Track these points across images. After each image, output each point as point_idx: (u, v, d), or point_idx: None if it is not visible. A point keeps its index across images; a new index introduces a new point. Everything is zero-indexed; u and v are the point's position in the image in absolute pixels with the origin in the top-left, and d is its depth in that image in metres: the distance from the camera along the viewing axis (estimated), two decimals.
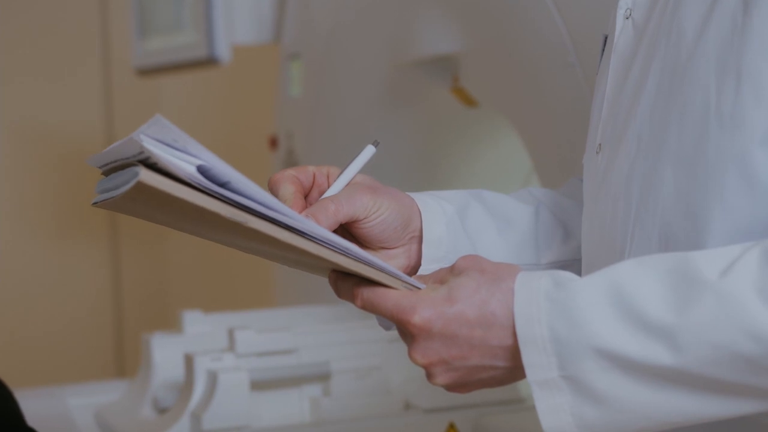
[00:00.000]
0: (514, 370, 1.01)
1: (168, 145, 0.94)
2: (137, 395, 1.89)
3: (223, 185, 0.96)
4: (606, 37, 1.19)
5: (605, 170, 1.11)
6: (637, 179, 1.06)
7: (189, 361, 1.75)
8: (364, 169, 1.16)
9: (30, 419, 1.48)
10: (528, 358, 0.98)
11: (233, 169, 0.96)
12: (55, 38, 3.49)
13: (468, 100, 2.03)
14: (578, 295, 0.97)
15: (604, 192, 1.10)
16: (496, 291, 0.99)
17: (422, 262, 1.17)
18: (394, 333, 1.07)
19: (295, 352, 1.79)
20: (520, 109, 1.82)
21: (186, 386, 1.75)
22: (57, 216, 3.52)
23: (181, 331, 1.94)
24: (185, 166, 0.94)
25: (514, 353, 0.99)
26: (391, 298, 1.02)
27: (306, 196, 1.15)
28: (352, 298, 1.05)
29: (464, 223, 1.20)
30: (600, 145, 1.13)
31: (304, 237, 1.01)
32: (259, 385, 1.76)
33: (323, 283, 1.10)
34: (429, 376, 1.02)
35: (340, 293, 1.07)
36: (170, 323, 2.39)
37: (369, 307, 1.04)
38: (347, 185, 1.14)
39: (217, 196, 0.96)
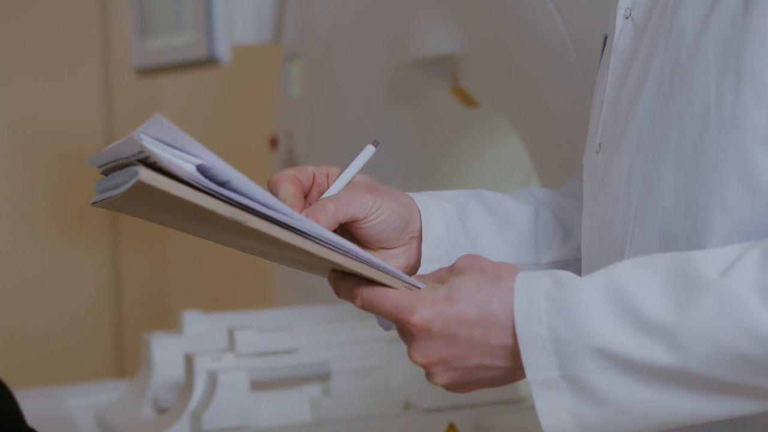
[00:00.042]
0: (514, 370, 1.00)
1: (167, 144, 0.94)
2: (137, 395, 1.89)
3: (222, 184, 0.96)
4: (606, 37, 1.19)
5: (605, 170, 1.11)
6: (637, 179, 1.06)
7: (189, 361, 1.75)
8: (364, 169, 1.16)
9: (30, 419, 1.47)
10: (528, 358, 0.98)
11: (233, 168, 0.96)
12: (55, 38, 3.49)
13: (468, 100, 2.03)
14: (578, 294, 0.97)
15: (604, 192, 1.10)
16: (496, 291, 0.99)
17: (422, 262, 1.17)
18: (394, 333, 1.07)
19: (295, 352, 1.79)
20: (520, 109, 1.81)
21: (186, 386, 1.75)
22: (57, 216, 3.52)
23: (181, 331, 1.94)
24: (185, 165, 0.94)
25: (514, 353, 0.99)
26: (391, 297, 1.02)
27: (306, 196, 1.15)
28: (351, 298, 1.05)
29: (464, 223, 1.20)
30: (600, 144, 1.13)
31: (303, 236, 1.01)
32: (259, 385, 1.76)
33: (323, 283, 1.10)
34: (429, 375, 1.02)
35: (339, 293, 1.07)
36: (170, 323, 2.39)
37: (368, 307, 1.04)
38: (347, 185, 1.14)
39: (216, 195, 0.96)
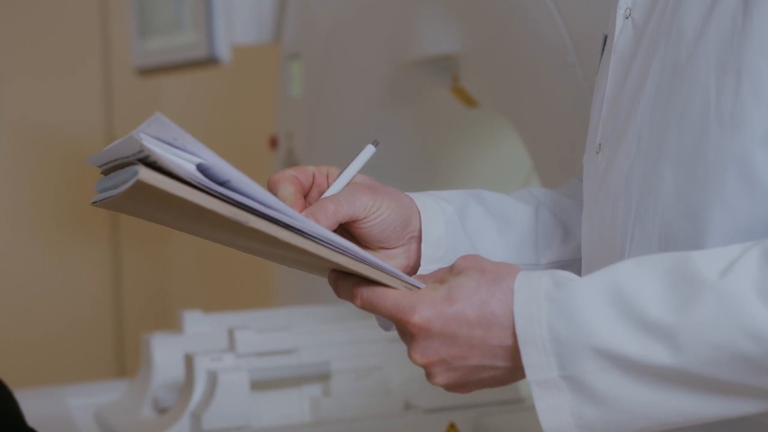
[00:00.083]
0: (514, 370, 1.00)
1: (168, 143, 0.94)
2: (137, 395, 1.89)
3: (222, 184, 0.96)
4: (606, 37, 1.19)
5: (605, 170, 1.11)
6: (637, 179, 1.06)
7: (189, 361, 1.75)
8: (364, 169, 1.16)
9: (30, 419, 1.47)
10: (528, 358, 0.97)
11: (233, 167, 0.96)
12: (55, 38, 3.49)
13: (468, 100, 2.03)
14: (578, 294, 0.97)
15: (604, 192, 1.10)
16: (496, 291, 0.99)
17: (422, 262, 1.17)
18: (394, 333, 1.07)
19: (295, 352, 1.79)
20: (520, 109, 1.81)
21: (186, 386, 1.75)
22: (57, 216, 3.52)
23: (182, 331, 1.94)
24: (185, 164, 0.94)
25: (514, 353, 0.99)
26: (391, 297, 1.02)
27: (305, 196, 1.15)
28: (351, 298, 1.05)
29: (464, 223, 1.20)
30: (600, 145, 1.13)
31: (303, 236, 1.01)
32: (259, 385, 1.76)
33: (323, 283, 1.10)
34: (428, 376, 1.02)
35: (339, 293, 1.07)
36: (170, 323, 2.39)
37: (368, 307, 1.04)
38: (347, 185, 1.14)
39: (216, 194, 0.96)
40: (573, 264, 1.24)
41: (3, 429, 1.43)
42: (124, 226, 3.58)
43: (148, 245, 3.63)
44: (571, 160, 1.62)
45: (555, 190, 1.31)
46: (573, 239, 1.25)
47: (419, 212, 1.17)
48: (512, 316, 0.98)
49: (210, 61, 2.50)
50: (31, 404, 1.63)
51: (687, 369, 0.94)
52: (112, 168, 1.00)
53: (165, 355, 1.88)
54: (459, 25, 1.91)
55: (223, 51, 2.48)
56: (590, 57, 1.57)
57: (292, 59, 2.47)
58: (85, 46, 3.54)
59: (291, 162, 2.47)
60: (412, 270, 1.18)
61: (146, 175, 0.93)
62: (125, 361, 3.58)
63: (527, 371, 0.98)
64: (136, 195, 0.96)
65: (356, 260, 1.03)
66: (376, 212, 1.13)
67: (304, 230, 1.00)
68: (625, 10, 1.13)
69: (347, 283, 1.05)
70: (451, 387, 1.03)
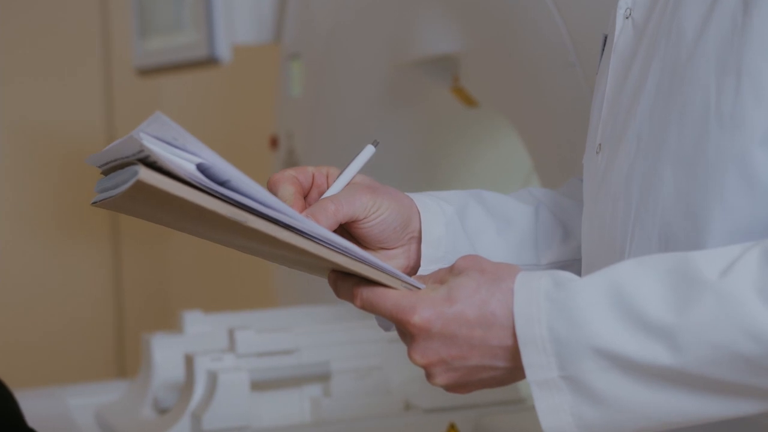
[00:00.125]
0: (514, 371, 1.00)
1: (168, 143, 0.94)
2: (137, 395, 1.89)
3: (222, 183, 0.96)
4: (606, 37, 1.18)
5: (605, 170, 1.11)
6: (637, 179, 1.06)
7: (189, 361, 1.75)
8: (364, 169, 1.16)
9: (30, 419, 1.47)
10: (528, 359, 0.97)
11: (233, 167, 0.96)
12: (55, 38, 3.49)
13: (468, 100, 2.03)
14: (578, 295, 0.97)
15: (604, 192, 1.10)
16: (496, 291, 0.99)
17: (422, 262, 1.17)
18: (395, 333, 1.07)
19: (295, 352, 1.79)
20: (520, 109, 1.81)
21: (186, 386, 1.75)
22: (58, 216, 3.52)
23: (182, 332, 1.94)
24: (185, 164, 0.94)
25: (514, 353, 0.99)
26: (391, 298, 1.02)
27: (305, 197, 1.15)
28: (351, 298, 1.05)
29: (464, 224, 1.20)
30: (600, 145, 1.13)
31: (303, 236, 1.00)
32: (259, 385, 1.76)
33: (323, 283, 1.10)
34: (428, 376, 1.02)
35: (339, 293, 1.07)
36: (171, 323, 2.39)
37: (368, 307, 1.04)
38: (347, 185, 1.14)
39: (216, 194, 0.96)
40: (573, 264, 1.24)
41: (3, 429, 1.43)
42: (125, 226, 3.58)
43: (149, 245, 3.63)
44: (571, 160, 1.62)
45: (555, 190, 1.31)
46: (573, 239, 1.25)
47: (419, 212, 1.17)
48: (512, 317, 0.98)
49: (210, 61, 2.50)
50: (31, 404, 1.63)
51: (687, 369, 0.94)
52: (112, 168, 1.00)
53: (165, 355, 1.88)
54: (459, 25, 1.91)
55: (224, 51, 2.48)
56: (590, 57, 1.57)
57: (292, 59, 2.47)
58: (86, 46, 3.54)
59: (291, 162, 2.47)
60: (412, 270, 1.18)
61: (146, 175, 0.93)
62: (125, 361, 3.58)
63: (527, 371, 0.98)
64: (136, 195, 0.96)
65: (356, 260, 1.03)
66: (376, 212, 1.13)
67: (304, 230, 1.00)
68: (625, 10, 1.13)
69: (347, 283, 1.05)
70: (451, 387, 1.03)
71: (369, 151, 1.16)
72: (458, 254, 1.17)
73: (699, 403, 0.95)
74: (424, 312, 1.00)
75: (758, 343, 0.91)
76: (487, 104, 1.99)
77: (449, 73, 2.00)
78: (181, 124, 0.96)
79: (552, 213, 1.26)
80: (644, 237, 1.05)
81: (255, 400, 1.74)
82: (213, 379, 1.71)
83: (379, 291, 1.03)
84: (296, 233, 1.00)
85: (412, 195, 1.18)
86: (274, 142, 2.57)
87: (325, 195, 1.13)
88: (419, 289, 1.03)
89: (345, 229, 1.14)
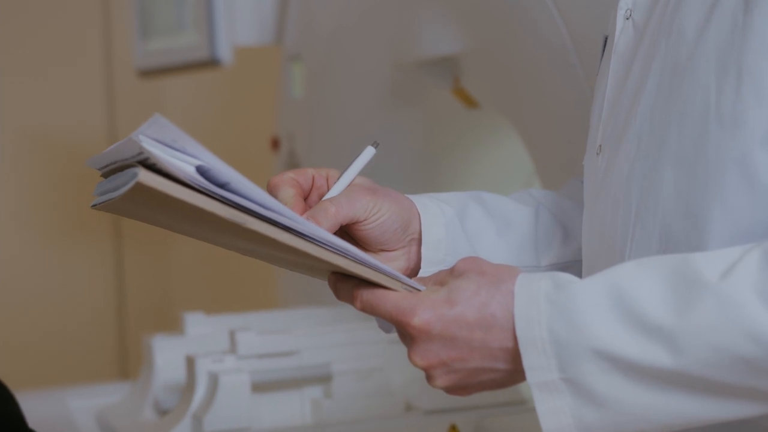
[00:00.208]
0: (514, 373, 1.00)
1: (167, 145, 0.94)
2: (138, 397, 1.89)
3: (222, 186, 0.96)
4: (606, 38, 1.18)
5: (605, 171, 1.11)
6: (638, 180, 1.06)
7: (190, 362, 1.75)
8: (365, 171, 1.16)
9: (31, 421, 1.47)
10: (528, 361, 0.97)
11: (233, 169, 0.96)
12: (55, 38, 3.49)
13: (469, 101, 2.03)
14: (578, 297, 0.97)
15: (605, 193, 1.10)
16: (496, 293, 0.99)
17: (422, 264, 1.17)
18: (395, 334, 1.07)
19: (296, 353, 1.79)
20: (521, 110, 1.81)
21: (187, 388, 1.75)
22: (59, 218, 3.51)
23: (183, 333, 1.94)
24: (184, 166, 0.94)
25: (514, 355, 0.99)
26: (391, 299, 1.02)
27: (305, 199, 1.15)
28: (351, 300, 1.05)
29: (464, 225, 1.20)
30: (600, 146, 1.13)
31: (303, 239, 1.00)
32: (260, 386, 1.76)
33: (324, 285, 1.10)
34: (429, 378, 1.02)
35: (339, 295, 1.07)
36: (172, 325, 2.39)
37: (369, 309, 1.04)
38: (347, 187, 1.14)
39: (216, 197, 0.96)
40: (573, 265, 1.24)
41: (4, 431, 1.43)
42: (126, 228, 3.58)
43: (150, 247, 3.63)
44: (571, 162, 1.62)
45: (555, 191, 1.30)
46: (573, 241, 1.25)
47: (419, 214, 1.17)
48: (512, 319, 0.98)
49: (211, 63, 2.50)
50: (32, 406, 1.63)
51: (687, 371, 0.94)
52: (112, 170, 1.00)
53: (166, 356, 1.88)
54: (460, 26, 1.91)
55: (225, 52, 2.48)
56: (591, 58, 1.57)
57: (293, 60, 2.47)
58: (87, 47, 3.54)
59: (292, 163, 2.47)
60: (413, 272, 1.17)
61: (145, 177, 0.93)
62: (127, 362, 3.58)
63: (527, 374, 0.98)
64: (136, 197, 0.95)
65: (356, 262, 1.02)
66: (376, 214, 1.13)
67: (304, 232, 1.00)
68: (626, 11, 1.13)
69: (347, 285, 1.05)
70: (451, 389, 1.03)
71: (369, 152, 1.16)
72: (458, 256, 1.17)
73: (699, 405, 0.95)
74: (424, 314, 1.00)
75: (758, 345, 0.91)
76: (487, 105, 1.99)
77: (450, 74, 2.00)
78: (183, 125, 0.96)
79: (552, 214, 1.26)
80: (645, 238, 1.05)
81: (256, 402, 1.74)
82: (214, 380, 1.71)
83: (379, 293, 1.03)
84: (296, 235, 1.00)
85: (412, 197, 1.18)
86: (275, 144, 2.57)
87: (326, 197, 1.13)
88: (419, 291, 1.03)
89: (345, 231, 1.14)
